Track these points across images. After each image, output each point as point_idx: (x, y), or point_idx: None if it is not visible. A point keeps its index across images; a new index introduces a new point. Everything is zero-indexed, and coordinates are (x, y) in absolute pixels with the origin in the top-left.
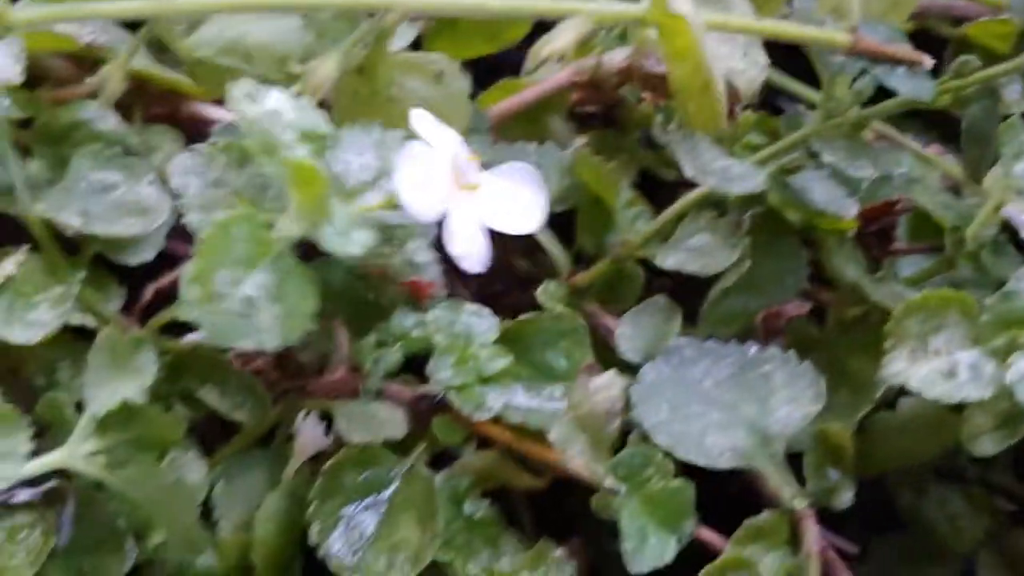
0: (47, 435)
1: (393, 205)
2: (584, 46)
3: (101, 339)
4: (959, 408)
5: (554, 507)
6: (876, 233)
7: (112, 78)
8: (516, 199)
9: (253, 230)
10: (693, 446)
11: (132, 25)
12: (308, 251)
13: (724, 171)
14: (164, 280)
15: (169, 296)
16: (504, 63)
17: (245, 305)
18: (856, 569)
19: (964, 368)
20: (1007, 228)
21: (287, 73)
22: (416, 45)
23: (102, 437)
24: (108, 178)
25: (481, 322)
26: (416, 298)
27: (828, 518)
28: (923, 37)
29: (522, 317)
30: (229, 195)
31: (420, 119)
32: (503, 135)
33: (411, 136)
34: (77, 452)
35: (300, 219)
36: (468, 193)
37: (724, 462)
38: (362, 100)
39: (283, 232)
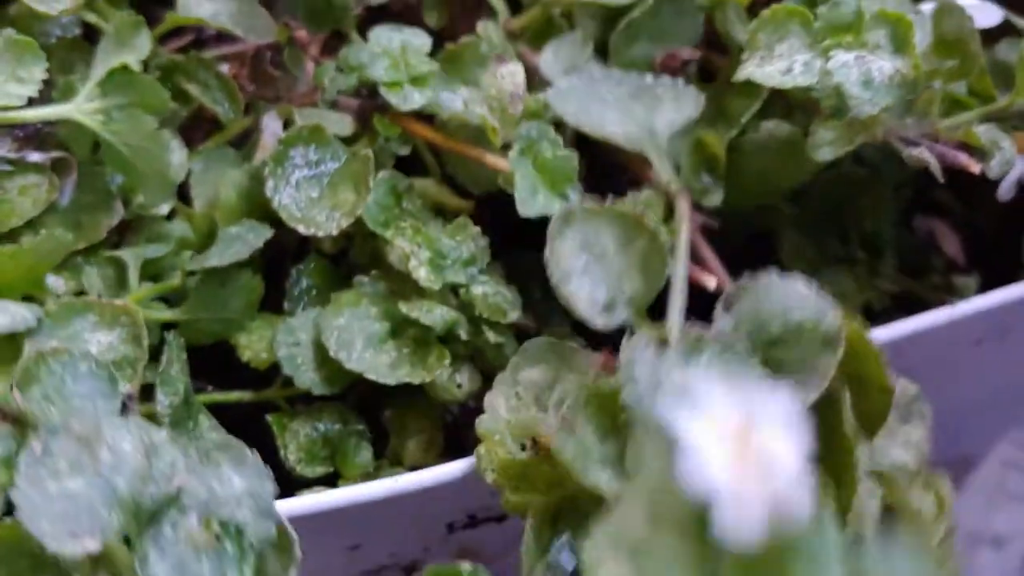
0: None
1: None
2: None
3: (108, 27)
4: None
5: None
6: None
7: None
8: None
9: None
10: (595, 127)
11: None
12: None
13: None
14: None
15: None
16: None
17: None
18: None
19: (799, 65)
20: None
21: None
22: None
23: (104, 98)
24: None
25: (416, 39)
26: None
27: None
28: None
29: (461, 40)
30: None
31: None
32: None
33: None
34: (83, 107)
35: None
36: None
37: (618, 142)
38: None
39: None
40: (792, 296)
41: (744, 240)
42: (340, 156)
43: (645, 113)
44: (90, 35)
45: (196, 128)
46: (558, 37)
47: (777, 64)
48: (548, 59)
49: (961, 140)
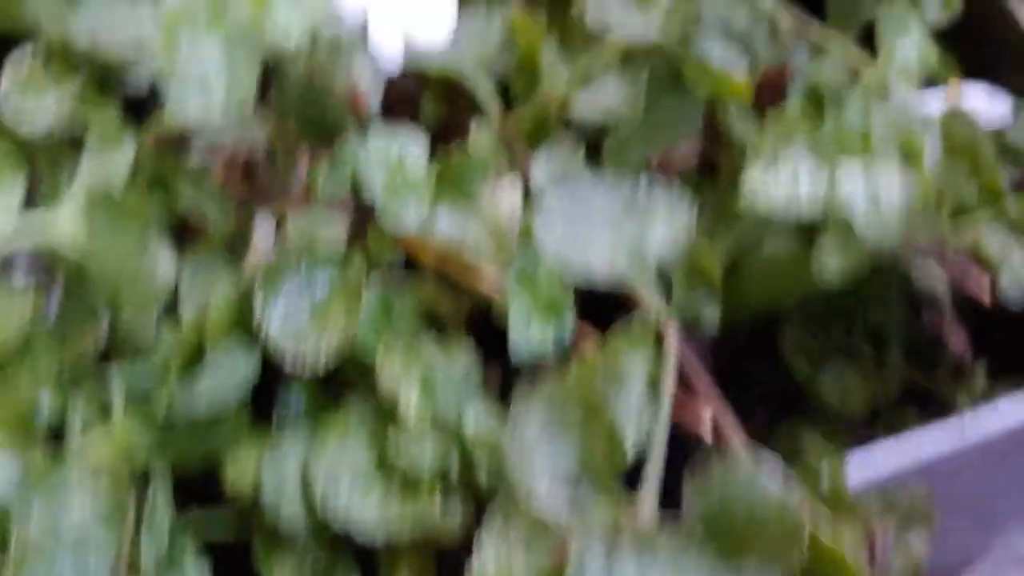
0: None
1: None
2: None
3: (94, 130)
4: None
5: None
6: (769, 94)
7: None
8: (428, 8)
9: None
10: (580, 263)
11: None
12: None
13: (623, 17)
14: None
15: None
16: None
17: (201, 80)
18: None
19: (804, 175)
20: None
21: None
22: None
23: (85, 218)
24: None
25: (414, 147)
26: (355, 110)
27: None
28: None
29: (455, 152)
30: None
31: None
32: None
33: None
34: (63, 230)
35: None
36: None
37: (604, 278)
38: None
39: (235, 14)
40: (757, 489)
41: (744, 332)
42: (333, 274)
43: (636, 230)
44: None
45: (186, 228)
46: (551, 141)
47: (782, 172)
48: (539, 167)
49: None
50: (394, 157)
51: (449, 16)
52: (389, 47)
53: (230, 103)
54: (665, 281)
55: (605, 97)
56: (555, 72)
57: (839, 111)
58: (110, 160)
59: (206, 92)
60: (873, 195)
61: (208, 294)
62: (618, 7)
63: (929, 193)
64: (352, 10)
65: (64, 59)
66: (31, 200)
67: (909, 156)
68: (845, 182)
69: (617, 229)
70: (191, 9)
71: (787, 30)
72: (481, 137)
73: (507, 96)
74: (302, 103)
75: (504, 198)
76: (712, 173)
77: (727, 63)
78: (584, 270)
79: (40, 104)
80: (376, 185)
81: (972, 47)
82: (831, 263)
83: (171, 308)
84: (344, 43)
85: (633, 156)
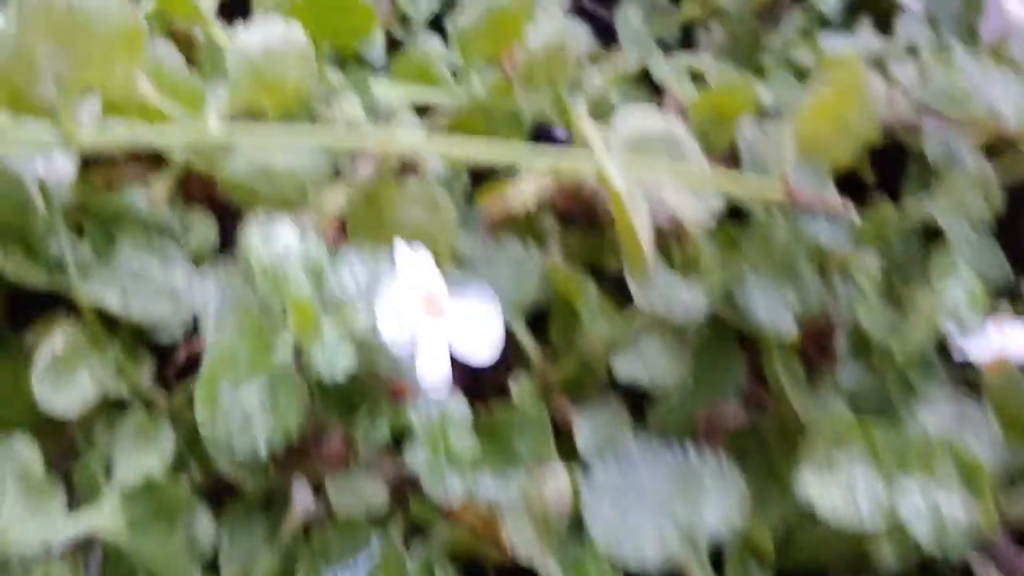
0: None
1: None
2: None
3: (129, 419)
4: None
5: None
6: (816, 342)
7: (159, 187)
8: (477, 329)
9: (254, 347)
10: (633, 554)
11: None
12: None
13: (669, 296)
14: (197, 345)
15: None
16: None
17: (243, 418)
18: None
19: (861, 488)
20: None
21: (306, 194)
22: None
23: (126, 505)
24: (147, 264)
25: (456, 409)
26: (396, 396)
27: None
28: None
29: (495, 409)
30: (242, 311)
31: (401, 251)
32: (496, 231)
33: (396, 261)
34: (104, 517)
35: (296, 342)
36: (436, 320)
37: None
38: (371, 224)
39: (279, 353)
40: None
41: None
42: (373, 547)
43: (688, 509)
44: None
45: (222, 486)
46: (594, 402)
47: (838, 478)
48: (585, 431)
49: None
50: (436, 418)
51: (498, 335)
52: (436, 372)
53: (274, 441)
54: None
55: (650, 360)
56: (595, 326)
57: (895, 422)
58: (149, 453)
59: (248, 433)
60: (936, 514)
61: (248, 555)
62: (665, 285)
63: (992, 515)
64: (398, 339)
65: (97, 325)
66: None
67: (971, 482)
68: (905, 497)
69: (668, 508)
70: (232, 355)
71: (834, 268)
72: (523, 392)
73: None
74: (341, 389)
75: (551, 484)
76: (758, 405)
77: (773, 317)
78: (635, 556)
79: (73, 385)
80: (419, 456)
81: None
82: (889, 559)
83: (213, 567)
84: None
85: (680, 419)
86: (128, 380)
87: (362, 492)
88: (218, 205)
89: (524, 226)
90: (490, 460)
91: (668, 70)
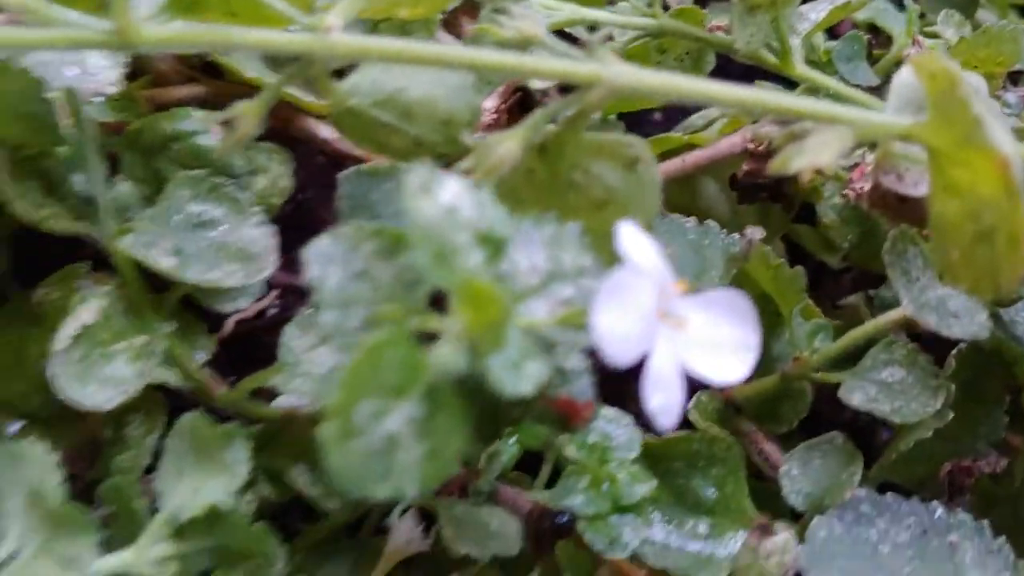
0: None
1: (569, 322)
2: None
3: (184, 424)
4: None
5: None
6: None
7: (248, 116)
8: (726, 340)
9: (406, 353)
10: None
11: None
12: None
13: (943, 306)
14: (248, 311)
15: (252, 330)
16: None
17: (386, 443)
18: None
19: None
20: None
21: (450, 137)
22: None
23: (178, 542)
24: (208, 212)
25: (620, 432)
26: (568, 420)
27: None
28: None
29: (669, 435)
30: (373, 292)
31: (629, 237)
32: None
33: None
34: (146, 556)
35: (465, 344)
36: (672, 331)
37: None
38: (536, 183)
39: (442, 360)
40: None
41: None
42: None
43: None
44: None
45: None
46: (810, 443)
47: None
48: (793, 474)
49: None
50: (598, 454)
51: (755, 352)
52: (668, 397)
53: (428, 477)
54: None
55: (892, 388)
56: (807, 336)
57: None
58: (214, 476)
59: (390, 464)
60: None
61: None
62: (932, 287)
63: None
64: (624, 355)
65: (138, 288)
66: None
67: None
68: None
69: None
70: (373, 357)
71: None
72: (703, 415)
73: None
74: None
75: (774, 558)
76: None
77: None
78: None
79: (107, 370)
80: (577, 499)
81: None
82: None
83: None
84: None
85: (924, 466)
86: (179, 364)
87: (486, 528)
88: (292, 140)
89: (684, 191)
90: (661, 499)
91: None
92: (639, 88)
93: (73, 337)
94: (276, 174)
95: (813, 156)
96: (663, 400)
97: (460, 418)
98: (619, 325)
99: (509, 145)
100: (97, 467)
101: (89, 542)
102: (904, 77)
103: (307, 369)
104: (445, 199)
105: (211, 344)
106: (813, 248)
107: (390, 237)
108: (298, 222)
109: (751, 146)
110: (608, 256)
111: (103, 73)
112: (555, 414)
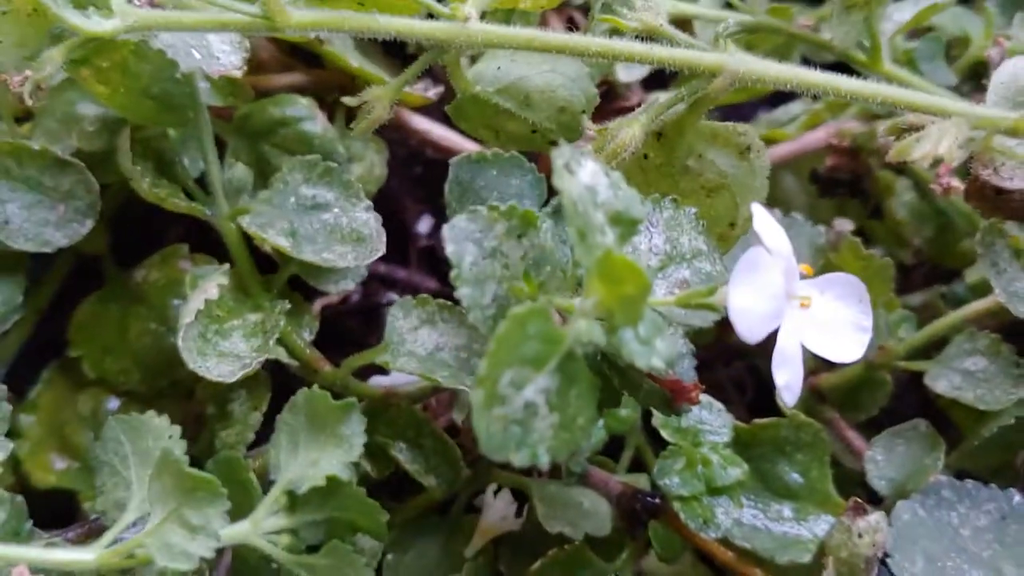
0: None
1: (687, 302)
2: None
3: (300, 399)
4: None
5: None
6: None
7: (378, 106)
8: (843, 320)
9: (544, 326)
10: None
11: None
12: None
13: None
14: (333, 297)
15: (336, 314)
16: None
17: (524, 411)
18: None
19: None
20: None
21: (565, 124)
22: None
23: (291, 514)
24: (321, 196)
25: (713, 418)
26: (675, 400)
27: None
28: None
29: (758, 421)
30: (503, 269)
31: (763, 218)
32: None
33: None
34: (262, 527)
35: (599, 318)
36: (798, 310)
37: None
38: (650, 168)
39: (578, 333)
40: None
41: None
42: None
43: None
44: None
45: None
46: (894, 430)
47: None
48: (877, 459)
49: None
50: (691, 436)
51: (867, 333)
52: (793, 373)
53: (558, 447)
54: None
55: (977, 375)
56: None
57: None
58: (326, 447)
59: (528, 434)
60: None
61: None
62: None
63: None
64: (756, 332)
65: (250, 269)
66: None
67: None
68: None
69: (995, 568)
70: (516, 329)
71: None
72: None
73: None
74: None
75: (866, 537)
76: None
77: None
78: None
79: (227, 346)
80: (673, 479)
81: None
82: None
83: None
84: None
85: (998, 448)
86: (287, 341)
87: (578, 508)
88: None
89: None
90: (750, 488)
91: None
92: (764, 77)
93: (197, 316)
94: (372, 162)
95: (933, 145)
96: (788, 377)
97: (590, 391)
98: (754, 303)
99: (632, 131)
100: (200, 442)
101: (218, 511)
102: (1003, 74)
103: (411, 348)
104: (585, 178)
105: (315, 323)
106: (886, 243)
107: (520, 218)
108: (381, 208)
109: (835, 142)
110: (717, 239)
111: (226, 57)
112: (663, 393)
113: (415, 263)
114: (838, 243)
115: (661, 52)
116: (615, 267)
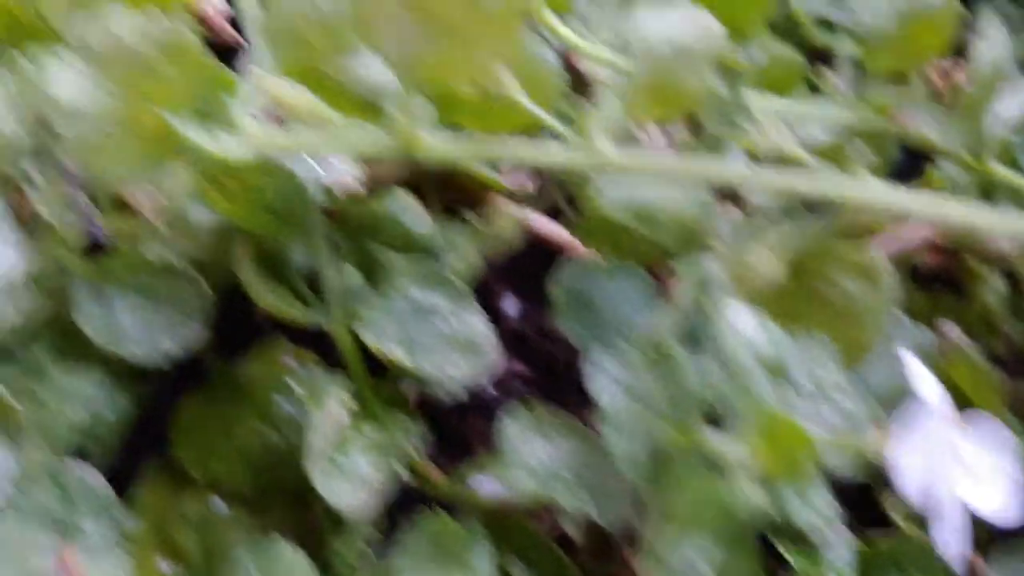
0: None
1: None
2: None
3: (423, 522)
4: None
5: None
6: None
7: (506, 227)
8: (995, 474)
9: (706, 489)
10: None
11: None
12: None
13: None
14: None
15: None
16: None
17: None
18: None
19: None
20: None
21: (690, 245)
22: None
23: None
24: (429, 299)
25: (841, 555)
26: None
27: None
28: None
29: (876, 540)
30: (645, 408)
31: (916, 369)
32: None
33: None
34: None
35: (762, 479)
36: (953, 461)
37: None
38: (782, 294)
39: (746, 497)
40: None
41: None
42: None
43: None
44: None
45: None
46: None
47: None
48: None
49: None
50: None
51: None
52: (958, 536)
53: None
54: None
55: None
56: None
57: None
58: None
59: None
60: None
61: None
62: None
63: None
64: (914, 487)
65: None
66: None
67: None
68: None
69: None
70: (688, 512)
71: None
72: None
73: None
74: None
75: None
76: None
77: None
78: None
79: (352, 470)
80: None
81: None
82: None
83: None
84: None
85: None
86: (407, 458)
87: None
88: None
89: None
90: None
91: None
92: (895, 208)
93: (328, 438)
94: (466, 252)
95: None
96: (951, 531)
97: (754, 558)
98: (917, 463)
99: (768, 260)
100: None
101: None
102: None
103: (525, 461)
104: (742, 327)
105: (426, 432)
106: (978, 333)
107: (666, 355)
108: None
109: (938, 240)
110: (847, 369)
111: (346, 170)
112: None
113: (506, 347)
114: (949, 351)
115: (794, 181)
116: (780, 428)
